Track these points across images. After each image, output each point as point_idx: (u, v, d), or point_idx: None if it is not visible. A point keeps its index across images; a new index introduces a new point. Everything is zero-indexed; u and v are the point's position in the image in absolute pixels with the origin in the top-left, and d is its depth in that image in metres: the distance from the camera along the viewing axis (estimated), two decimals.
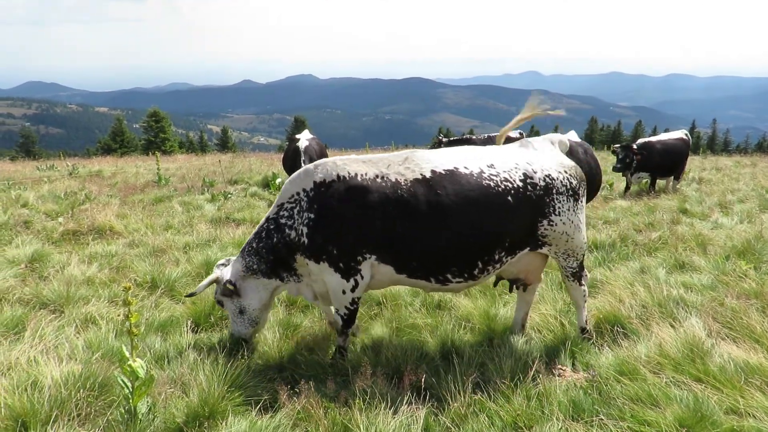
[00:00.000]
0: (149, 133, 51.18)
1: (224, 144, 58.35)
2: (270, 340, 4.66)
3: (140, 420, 3.35)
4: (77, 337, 4.62)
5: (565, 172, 4.42)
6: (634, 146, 12.79)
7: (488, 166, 4.21)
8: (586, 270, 4.81)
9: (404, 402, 3.60)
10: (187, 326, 5.01)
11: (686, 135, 13.60)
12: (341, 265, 4.12)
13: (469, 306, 5.45)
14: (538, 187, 4.25)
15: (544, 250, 4.48)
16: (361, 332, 5.03)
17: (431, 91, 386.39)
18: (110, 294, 5.85)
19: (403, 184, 4.07)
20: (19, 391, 3.58)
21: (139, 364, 3.39)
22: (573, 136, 10.08)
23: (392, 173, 4.13)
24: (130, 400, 3.37)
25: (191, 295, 4.64)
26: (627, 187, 13.07)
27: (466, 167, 4.17)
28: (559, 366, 4.34)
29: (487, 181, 4.12)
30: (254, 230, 4.53)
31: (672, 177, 13.34)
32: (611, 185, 13.86)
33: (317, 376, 4.16)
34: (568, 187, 4.40)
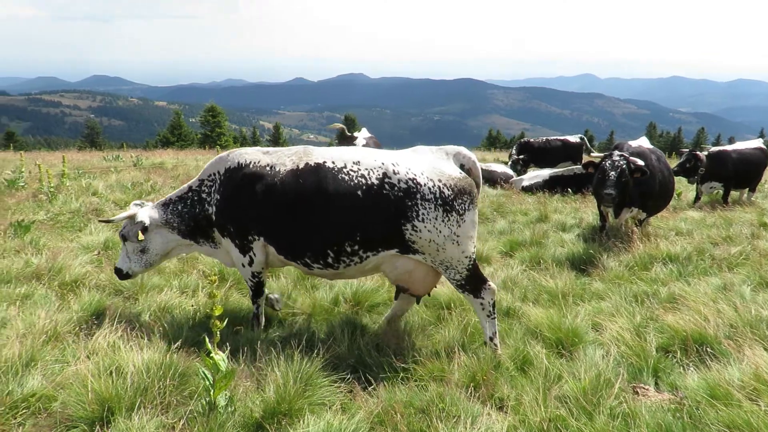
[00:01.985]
0: (206, 127, 52.67)
1: (276, 140, 59.45)
2: (341, 338, 4.63)
3: (220, 413, 3.37)
4: (154, 326, 4.71)
5: (439, 181, 4.33)
6: (701, 153, 12.16)
7: (354, 163, 4.41)
8: (489, 283, 4.57)
9: (483, 413, 3.48)
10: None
11: (765, 145, 12.83)
12: (237, 242, 4.71)
13: (539, 315, 5.26)
14: (396, 188, 4.28)
15: (417, 257, 4.45)
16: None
17: (482, 92, 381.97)
18: (181, 284, 5.97)
19: (281, 173, 4.50)
20: (104, 375, 3.67)
21: (220, 357, 3.41)
22: (645, 143, 9.68)
23: (279, 164, 4.56)
24: (211, 393, 3.40)
25: (107, 221, 5.39)
26: (697, 197, 12.44)
27: (333, 162, 4.44)
28: (642, 385, 4.12)
29: (342, 176, 4.35)
30: (178, 191, 5.07)
31: (747, 188, 12.62)
32: (679, 194, 13.24)
33: (389, 378, 4.09)
34: (438, 195, 4.29)
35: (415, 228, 4.29)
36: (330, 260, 4.50)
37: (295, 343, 4.19)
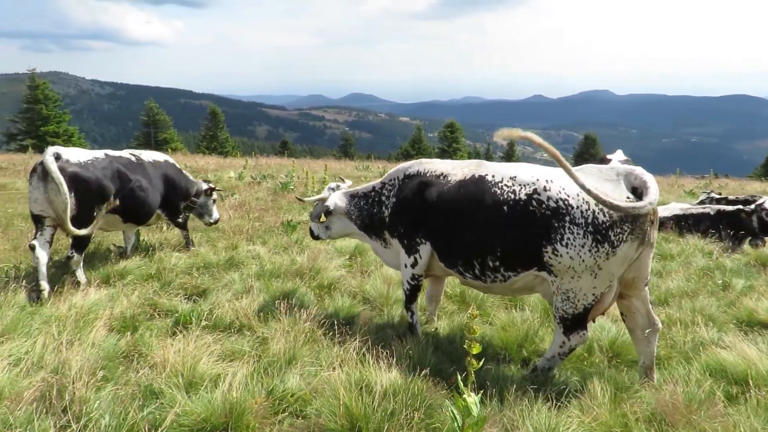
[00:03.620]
0: (444, 142, 54.89)
1: (509, 157, 58.92)
2: (601, 399, 3.93)
3: None
4: (399, 343, 4.67)
5: (596, 204, 3.83)
6: None
7: (510, 177, 4.30)
8: (586, 332, 4.23)
9: None
10: (503, 355, 4.67)
11: None
12: (406, 242, 4.93)
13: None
14: (543, 206, 4.02)
15: (546, 275, 4.16)
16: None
17: (757, 111, 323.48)
18: (423, 303, 5.91)
19: (450, 183, 4.63)
20: (354, 390, 3.67)
21: (473, 400, 3.09)
22: None
23: (452, 174, 4.69)
24: None
25: (300, 200, 6.54)
26: None
27: (494, 175, 4.39)
28: None
29: (496, 189, 4.29)
30: (365, 187, 5.55)
31: None
32: None
33: None
34: (590, 221, 3.86)
35: (555, 252, 3.98)
36: (477, 272, 4.50)
37: (545, 391, 3.68)
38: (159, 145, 45.32)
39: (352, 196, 5.63)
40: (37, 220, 6.09)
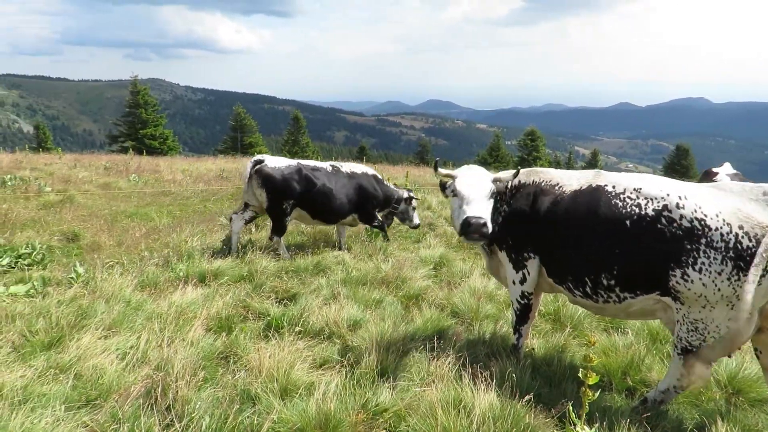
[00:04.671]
0: (523, 150, 53.53)
1: (591, 167, 56.54)
2: None
3: None
4: (496, 362, 4.45)
5: (740, 228, 3.42)
6: None
7: (634, 189, 3.95)
8: (710, 366, 3.74)
9: None
10: (605, 382, 4.34)
11: None
12: (513, 256, 4.58)
13: None
14: (674, 225, 3.63)
15: (669, 301, 3.75)
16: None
17: None
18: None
19: (565, 193, 4.29)
20: (451, 410, 3.51)
21: None
22: None
23: (567, 184, 4.34)
24: None
25: (444, 174, 4.72)
26: None
27: (614, 186, 4.06)
28: None
29: (616, 201, 3.96)
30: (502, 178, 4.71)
31: None
32: None
33: None
34: (731, 245, 3.41)
35: (686, 277, 3.56)
36: (588, 290, 4.16)
37: (662, 428, 3.34)
38: (245, 149, 47.39)
39: (501, 196, 4.75)
40: (245, 205, 8.12)
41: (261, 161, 7.84)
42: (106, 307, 5.18)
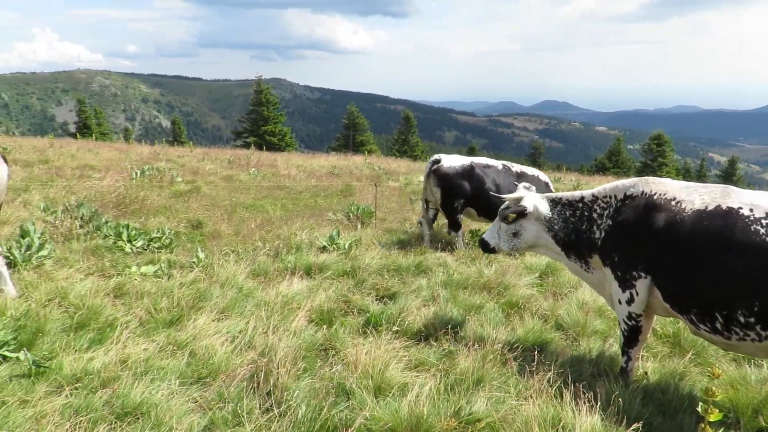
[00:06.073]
0: (647, 156, 49.84)
1: (728, 176, 51.23)
2: None
3: None
4: (595, 381, 4.15)
5: None
6: None
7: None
8: None
9: None
10: (730, 419, 3.88)
11: None
12: (619, 274, 4.23)
13: None
14: None
15: None
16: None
17: None
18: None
19: (685, 211, 3.89)
20: (546, 427, 3.34)
21: None
22: None
23: (688, 200, 3.95)
24: None
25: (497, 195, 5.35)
26: None
27: (752, 210, 3.58)
28: None
29: (757, 227, 3.50)
30: (570, 195, 4.70)
31: None
32: None
33: None
34: None
35: None
36: (718, 326, 3.72)
37: None
38: (356, 147, 48.79)
39: (555, 202, 4.76)
40: (426, 204, 8.73)
41: (438, 161, 8.33)
42: (220, 292, 5.56)
